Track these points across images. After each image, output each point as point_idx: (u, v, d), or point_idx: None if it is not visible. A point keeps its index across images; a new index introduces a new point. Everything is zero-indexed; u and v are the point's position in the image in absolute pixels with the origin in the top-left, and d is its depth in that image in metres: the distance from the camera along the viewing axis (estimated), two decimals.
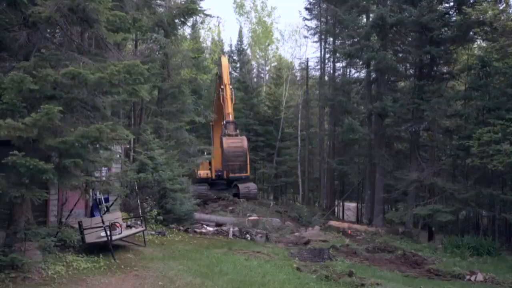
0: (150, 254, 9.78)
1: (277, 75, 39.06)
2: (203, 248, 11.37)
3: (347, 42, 26.84)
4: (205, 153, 25.26)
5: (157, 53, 15.21)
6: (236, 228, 14.53)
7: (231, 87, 21.09)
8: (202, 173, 22.31)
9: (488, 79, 16.75)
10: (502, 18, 14.65)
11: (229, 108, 20.06)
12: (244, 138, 19.73)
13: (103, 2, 6.62)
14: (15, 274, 6.80)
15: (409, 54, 20.83)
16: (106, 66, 6.94)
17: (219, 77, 22.03)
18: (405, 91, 21.95)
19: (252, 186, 21.36)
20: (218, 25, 51.34)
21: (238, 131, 20.28)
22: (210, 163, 22.50)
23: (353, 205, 33.17)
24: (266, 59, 42.62)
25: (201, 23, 35.72)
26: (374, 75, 22.67)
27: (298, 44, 62.99)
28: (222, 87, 20.74)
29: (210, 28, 39.68)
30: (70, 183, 7.31)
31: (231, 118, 20.00)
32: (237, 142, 18.97)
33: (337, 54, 26.63)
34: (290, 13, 70.10)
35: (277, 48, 41.17)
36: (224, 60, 21.77)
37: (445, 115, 18.31)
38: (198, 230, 14.14)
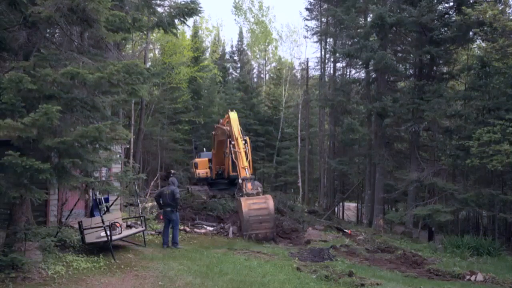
0: (150, 254, 9.78)
1: (277, 75, 39.13)
2: (203, 248, 11.38)
3: (347, 42, 26.84)
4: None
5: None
6: (236, 228, 14.53)
7: (244, 138, 17.02)
8: (201, 172, 21.28)
9: (488, 79, 16.74)
10: (502, 18, 14.63)
11: (243, 162, 15.92)
12: (270, 198, 14.45)
13: (102, 2, 6.62)
14: (15, 274, 6.81)
15: (409, 54, 20.83)
16: (106, 65, 6.94)
17: (227, 131, 17.84)
18: (405, 91, 21.93)
19: (257, 185, 19.29)
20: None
21: (260, 187, 16.22)
22: (209, 161, 21.93)
23: (353, 205, 33.17)
24: (266, 59, 42.68)
25: (201, 23, 35.90)
26: (373, 75, 22.67)
27: (297, 45, 63.34)
28: (232, 142, 16.67)
29: (208, 28, 39.76)
30: (69, 183, 7.31)
31: (248, 173, 15.47)
32: (260, 204, 13.86)
33: (337, 54, 26.61)
34: (289, 13, 70.14)
35: (275, 48, 41.23)
36: (233, 116, 17.42)
37: (445, 115, 18.29)
38: (198, 230, 14.14)
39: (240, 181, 15.27)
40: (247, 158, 20.40)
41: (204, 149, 25.20)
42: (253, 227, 13.45)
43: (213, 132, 20.36)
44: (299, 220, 17.50)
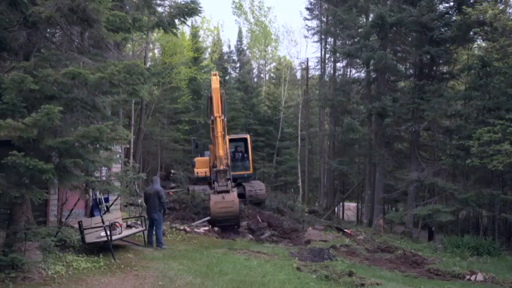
0: (150, 254, 9.79)
1: (277, 75, 39.17)
2: (203, 248, 11.38)
3: (347, 42, 26.85)
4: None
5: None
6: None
7: (224, 118, 15.45)
8: (200, 171, 20.32)
9: (488, 79, 16.76)
10: (502, 18, 14.64)
11: (220, 150, 14.77)
12: (235, 195, 14.79)
13: (103, 2, 6.62)
14: (15, 274, 6.81)
15: (409, 54, 20.83)
16: (106, 66, 6.95)
17: (209, 99, 16.22)
18: (405, 91, 21.95)
19: (259, 185, 19.28)
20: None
21: (230, 180, 15.18)
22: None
23: (353, 205, 33.19)
24: (266, 59, 42.73)
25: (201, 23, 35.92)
26: (374, 75, 22.68)
27: (294, 44, 63.80)
28: (211, 118, 15.30)
29: (210, 28, 39.76)
30: (70, 183, 7.32)
31: (222, 165, 14.77)
32: (227, 205, 14.33)
33: (337, 54, 26.62)
34: (286, 13, 70.25)
35: (275, 48, 41.30)
36: (215, 81, 15.63)
37: (445, 115, 18.31)
38: (198, 230, 14.14)
39: (214, 170, 15.09)
40: (247, 156, 20.11)
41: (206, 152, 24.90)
42: (218, 220, 14.40)
43: (208, 121, 19.75)
44: (299, 220, 17.52)
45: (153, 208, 10.78)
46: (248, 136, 20.92)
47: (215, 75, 16.13)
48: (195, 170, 20.39)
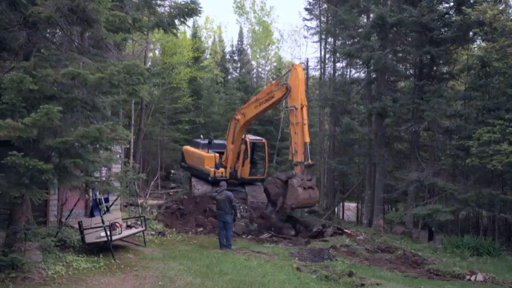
0: (150, 254, 9.80)
1: (277, 75, 39.11)
2: (203, 248, 11.38)
3: (347, 42, 26.83)
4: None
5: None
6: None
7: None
8: (218, 172, 19.25)
9: (488, 79, 16.76)
10: (502, 18, 14.63)
11: (307, 136, 14.45)
12: (317, 190, 15.15)
13: (103, 2, 6.63)
14: (15, 274, 6.82)
15: (409, 54, 20.82)
16: (106, 66, 6.96)
17: (287, 89, 15.25)
18: (405, 91, 21.94)
19: (261, 197, 18.84)
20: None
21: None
22: (220, 156, 19.85)
23: (353, 205, 33.17)
24: (266, 59, 42.72)
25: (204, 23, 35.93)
26: (374, 75, 22.67)
27: (298, 44, 63.32)
28: (295, 105, 14.65)
29: (213, 28, 39.80)
30: (70, 183, 7.34)
31: (310, 159, 14.55)
32: (311, 201, 14.76)
33: (337, 54, 26.58)
34: (290, 13, 70.12)
35: (277, 49, 41.26)
36: (301, 72, 15.28)
37: (445, 115, 18.29)
38: (198, 230, 14.14)
39: (294, 162, 14.56)
40: (263, 161, 19.45)
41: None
42: (299, 207, 14.48)
43: (237, 117, 17.72)
44: (299, 220, 17.49)
45: (225, 212, 11.54)
46: (265, 141, 20.85)
47: (300, 66, 15.98)
48: (212, 170, 19.05)
